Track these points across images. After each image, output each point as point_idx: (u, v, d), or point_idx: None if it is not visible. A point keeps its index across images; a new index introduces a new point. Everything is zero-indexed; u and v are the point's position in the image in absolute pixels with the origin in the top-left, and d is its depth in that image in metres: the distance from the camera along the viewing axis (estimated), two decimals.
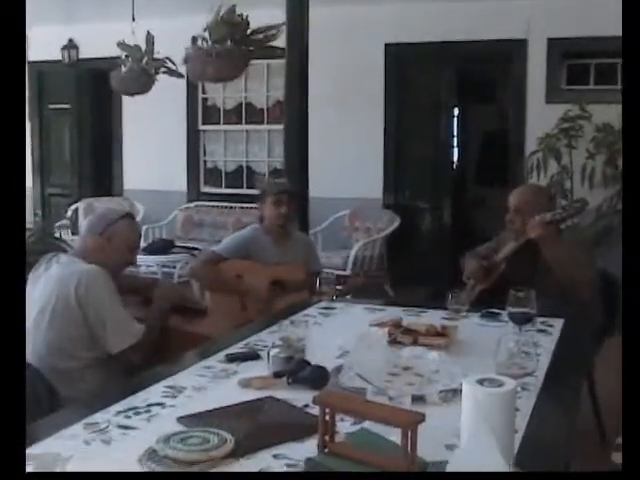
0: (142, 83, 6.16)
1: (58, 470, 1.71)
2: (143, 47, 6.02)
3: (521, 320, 2.66)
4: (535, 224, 3.65)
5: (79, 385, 2.91)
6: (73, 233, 8.31)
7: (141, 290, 3.56)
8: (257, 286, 4.14)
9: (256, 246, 4.28)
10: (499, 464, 1.48)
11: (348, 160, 8.37)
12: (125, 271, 3.46)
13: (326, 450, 1.73)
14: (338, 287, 3.75)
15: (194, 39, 4.92)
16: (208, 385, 2.35)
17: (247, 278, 4.19)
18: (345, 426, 1.90)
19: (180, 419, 2.00)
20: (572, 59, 7.66)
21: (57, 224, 8.10)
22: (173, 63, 5.91)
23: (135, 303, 3.40)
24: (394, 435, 1.67)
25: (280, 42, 5.37)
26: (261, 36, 4.66)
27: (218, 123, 9.48)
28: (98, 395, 2.62)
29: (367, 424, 1.84)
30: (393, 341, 2.76)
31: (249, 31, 4.66)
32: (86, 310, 2.98)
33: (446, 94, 8.42)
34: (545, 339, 2.89)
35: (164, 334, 3.25)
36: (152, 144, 9.41)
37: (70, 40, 9.71)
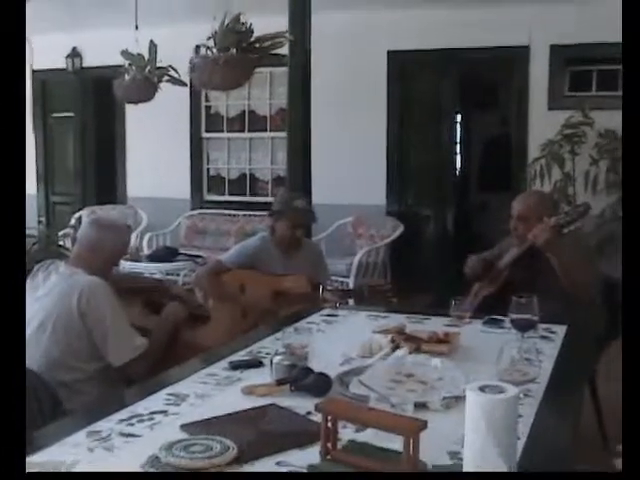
0: (145, 91, 6.16)
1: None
2: (146, 55, 6.03)
3: (523, 326, 2.66)
4: (539, 230, 3.64)
5: (80, 397, 2.90)
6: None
7: (144, 291, 3.57)
8: (259, 300, 4.14)
9: (264, 257, 4.27)
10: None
11: (351, 167, 8.37)
12: (120, 273, 3.48)
13: (328, 457, 1.73)
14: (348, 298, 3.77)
15: (197, 48, 4.92)
16: (211, 392, 2.36)
17: (250, 289, 4.19)
18: (348, 433, 1.90)
19: (183, 427, 2.00)
20: (574, 65, 7.67)
21: (61, 233, 8.12)
22: (176, 71, 5.92)
23: (138, 309, 3.41)
24: (396, 442, 1.67)
25: (283, 49, 5.38)
26: (268, 43, 4.66)
27: (221, 131, 9.49)
28: (101, 403, 2.62)
29: (369, 431, 1.84)
30: (396, 348, 2.76)
31: (255, 38, 4.67)
32: (88, 323, 2.97)
33: (448, 101, 8.43)
34: (548, 345, 2.89)
35: (168, 345, 3.26)
36: (156, 152, 9.43)
37: (74, 48, 9.75)
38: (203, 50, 4.74)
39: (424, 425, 1.63)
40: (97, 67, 9.28)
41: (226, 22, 4.62)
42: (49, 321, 2.98)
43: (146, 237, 8.78)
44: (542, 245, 3.65)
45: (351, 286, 7.18)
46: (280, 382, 2.33)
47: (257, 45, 4.72)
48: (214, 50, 4.66)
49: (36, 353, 2.94)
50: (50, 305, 3.01)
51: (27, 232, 6.13)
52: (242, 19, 4.69)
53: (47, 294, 3.06)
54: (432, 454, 1.72)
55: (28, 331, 2.98)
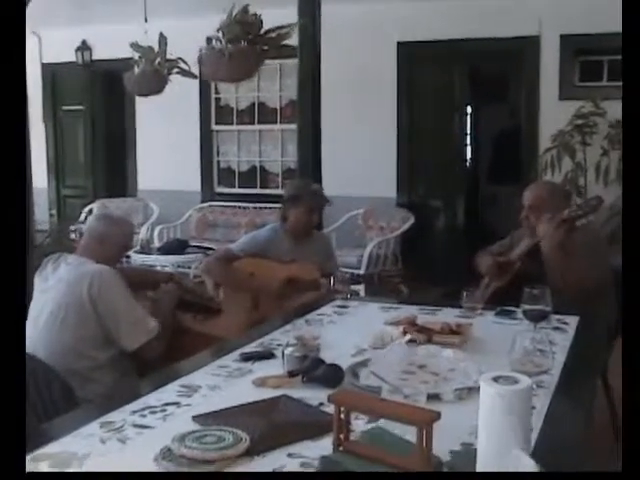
0: (155, 84, 6.17)
1: (74, 469, 1.72)
2: (156, 48, 6.03)
3: (536, 317, 2.65)
4: (545, 227, 3.64)
5: (92, 385, 2.94)
6: None
7: (156, 285, 3.62)
8: (269, 284, 4.14)
9: (274, 246, 4.28)
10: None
11: (361, 159, 8.37)
12: (131, 267, 3.54)
13: (341, 448, 1.73)
14: (354, 287, 3.74)
15: (209, 40, 4.92)
16: (223, 384, 2.36)
17: (260, 276, 4.20)
18: (360, 424, 1.90)
19: (195, 418, 2.00)
20: (585, 56, 7.63)
21: (72, 227, 8.14)
22: (186, 63, 5.92)
23: (144, 299, 3.43)
24: (409, 434, 1.67)
25: (293, 41, 5.37)
26: (274, 35, 4.64)
27: (231, 123, 9.50)
28: (114, 394, 2.63)
29: (382, 422, 1.84)
30: (409, 341, 2.75)
31: (263, 31, 4.65)
32: (100, 310, 3.01)
33: (459, 92, 8.40)
34: (560, 336, 2.88)
35: (178, 334, 3.28)
36: (166, 144, 9.44)
37: (83, 41, 9.76)
38: (213, 42, 4.73)
39: (438, 416, 1.62)
40: (107, 60, 9.29)
41: (234, 13, 4.61)
42: (61, 310, 3.03)
43: (157, 230, 8.81)
44: (545, 244, 3.64)
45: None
46: (292, 373, 2.32)
47: (264, 37, 4.71)
48: (222, 42, 4.65)
49: (49, 342, 3.00)
50: (60, 294, 3.05)
51: (39, 226, 6.17)
52: (252, 11, 4.68)
53: (57, 284, 3.10)
54: (445, 445, 1.72)
55: (40, 321, 3.04)
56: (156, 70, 6.06)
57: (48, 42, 9.85)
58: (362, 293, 4.73)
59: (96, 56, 9.77)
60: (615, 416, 3.78)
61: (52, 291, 3.09)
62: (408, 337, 2.68)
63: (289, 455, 1.78)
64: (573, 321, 3.11)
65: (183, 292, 3.58)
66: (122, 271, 3.31)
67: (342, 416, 1.73)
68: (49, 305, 3.06)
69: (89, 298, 2.99)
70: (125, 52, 6.29)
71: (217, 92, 9.47)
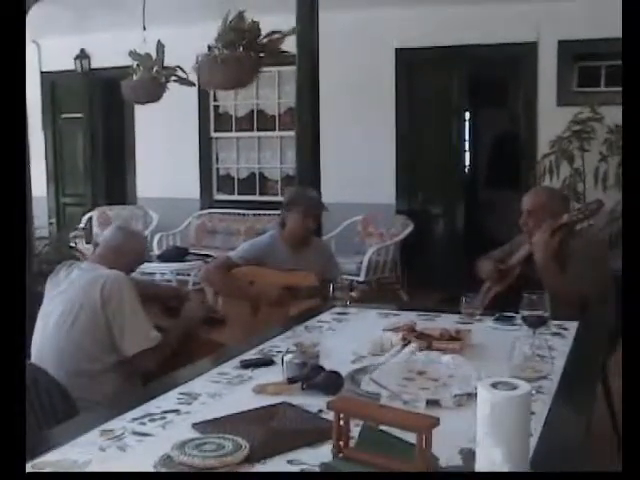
0: (152, 91, 6.16)
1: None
2: (154, 56, 6.03)
3: (535, 323, 2.65)
4: (538, 238, 3.65)
5: (98, 388, 2.98)
6: (87, 242, 8.36)
7: (162, 299, 3.66)
8: (268, 292, 4.15)
9: (273, 254, 4.28)
10: None
11: (361, 165, 8.37)
12: (140, 280, 3.59)
13: (340, 455, 1.73)
14: (352, 294, 3.73)
15: (209, 48, 4.92)
16: (223, 391, 2.36)
17: (259, 284, 4.20)
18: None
19: (195, 425, 2.00)
20: (583, 61, 7.65)
21: (72, 235, 8.14)
22: (184, 71, 5.92)
23: (155, 312, 3.46)
24: (410, 436, 1.67)
25: (291, 48, 5.37)
26: (266, 40, 4.64)
27: (230, 130, 9.50)
28: (114, 401, 2.63)
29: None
30: (407, 345, 2.75)
31: (259, 37, 4.65)
32: (108, 311, 3.06)
33: (457, 98, 8.42)
34: (560, 342, 2.88)
35: (186, 341, 3.31)
36: (165, 152, 9.44)
37: (82, 50, 9.77)
38: (214, 50, 4.74)
39: (437, 422, 1.62)
40: (106, 68, 9.29)
41: (229, 19, 4.60)
42: (73, 311, 3.08)
43: (156, 237, 8.80)
44: (536, 255, 3.66)
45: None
46: (291, 380, 2.33)
47: (261, 43, 4.70)
48: (219, 49, 4.66)
49: (58, 342, 3.07)
50: (74, 295, 3.12)
51: (38, 234, 6.17)
52: (250, 18, 4.67)
53: (70, 287, 3.17)
54: (444, 452, 1.72)
55: (50, 323, 3.12)
56: (153, 78, 6.05)
57: (47, 50, 9.86)
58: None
59: (95, 64, 9.77)
60: (615, 421, 3.78)
61: (65, 293, 3.16)
62: (412, 348, 2.67)
63: (289, 462, 1.78)
64: (572, 326, 3.12)
65: (207, 311, 3.65)
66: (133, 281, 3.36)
67: (341, 423, 1.73)
68: (60, 307, 3.13)
69: (101, 299, 3.05)
70: (124, 60, 6.29)
71: (216, 100, 9.48)
